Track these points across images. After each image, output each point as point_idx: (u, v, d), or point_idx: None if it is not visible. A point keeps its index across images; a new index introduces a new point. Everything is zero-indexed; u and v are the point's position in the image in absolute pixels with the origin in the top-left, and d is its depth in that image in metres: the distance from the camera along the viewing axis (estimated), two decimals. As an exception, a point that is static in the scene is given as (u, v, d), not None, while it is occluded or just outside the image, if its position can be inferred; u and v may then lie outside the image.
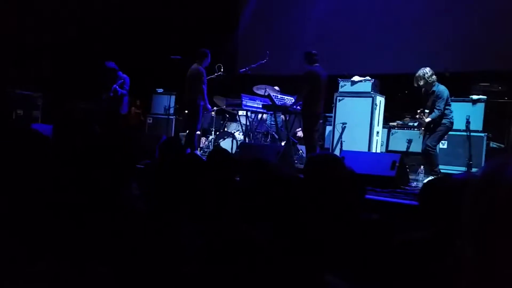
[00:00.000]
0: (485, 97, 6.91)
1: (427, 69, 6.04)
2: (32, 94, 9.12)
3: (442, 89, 6.02)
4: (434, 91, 6.01)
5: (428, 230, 2.13)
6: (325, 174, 2.23)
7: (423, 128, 6.25)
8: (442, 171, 6.61)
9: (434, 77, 6.03)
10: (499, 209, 0.88)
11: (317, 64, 6.76)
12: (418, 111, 6.07)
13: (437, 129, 6.04)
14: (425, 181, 5.84)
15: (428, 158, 6.08)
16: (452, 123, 6.10)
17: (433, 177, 5.89)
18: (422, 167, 6.38)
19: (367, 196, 4.26)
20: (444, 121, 6.03)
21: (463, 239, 0.94)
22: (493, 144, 6.89)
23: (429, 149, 5.99)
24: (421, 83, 6.03)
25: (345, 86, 7.37)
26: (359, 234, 2.23)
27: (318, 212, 2.28)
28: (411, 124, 7.63)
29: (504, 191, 0.87)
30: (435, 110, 5.93)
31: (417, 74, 6.05)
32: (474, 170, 6.60)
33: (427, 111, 6.06)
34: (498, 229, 0.87)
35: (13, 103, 8.80)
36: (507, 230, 0.86)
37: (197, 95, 7.30)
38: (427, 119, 5.97)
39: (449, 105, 6.10)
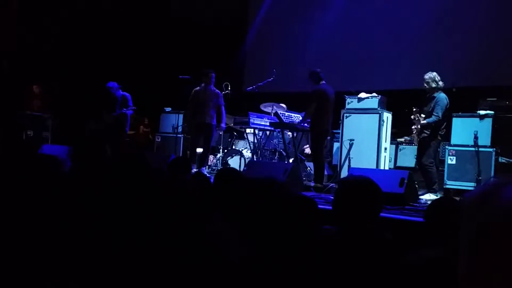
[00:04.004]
0: (492, 112, 6.89)
1: (435, 74, 6.28)
2: (42, 115, 9.24)
3: (442, 97, 6.23)
4: (434, 97, 6.22)
5: (437, 249, 2.13)
6: (360, 199, 2.24)
7: (416, 132, 6.36)
8: (451, 187, 6.60)
9: (439, 83, 6.23)
10: (493, 229, 0.89)
11: (323, 82, 6.81)
12: (414, 109, 6.24)
13: (430, 143, 6.16)
14: (424, 196, 5.90)
15: (426, 175, 6.20)
16: (442, 136, 6.29)
17: (431, 194, 5.94)
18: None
19: (376, 213, 4.26)
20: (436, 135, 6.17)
21: (459, 258, 0.96)
22: (501, 159, 6.85)
23: (427, 167, 6.12)
24: (433, 85, 6.27)
25: (352, 102, 7.38)
26: (374, 253, 2.22)
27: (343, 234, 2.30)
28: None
29: (498, 211, 0.89)
30: (433, 115, 6.13)
31: (424, 76, 6.30)
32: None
33: (423, 115, 6.24)
34: (491, 248, 0.89)
35: (23, 125, 8.91)
36: (500, 250, 0.88)
37: (213, 116, 7.59)
38: (423, 121, 6.17)
39: (446, 116, 6.23)
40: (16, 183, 2.76)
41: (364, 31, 9.74)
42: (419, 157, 6.40)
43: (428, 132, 6.22)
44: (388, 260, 2.14)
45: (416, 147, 7.57)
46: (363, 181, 2.35)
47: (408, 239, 3.37)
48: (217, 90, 7.76)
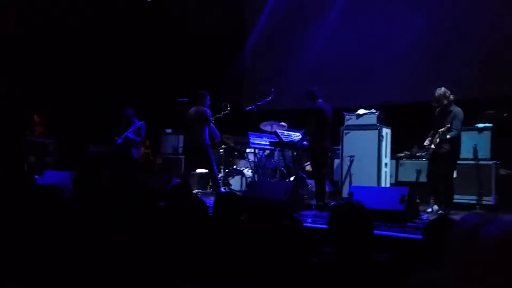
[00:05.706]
0: (491, 124, 6.92)
1: (443, 90, 6.12)
2: (44, 141, 9.31)
3: (459, 110, 6.06)
4: (451, 111, 6.04)
5: (436, 270, 2.14)
6: (349, 226, 2.31)
7: (433, 148, 6.10)
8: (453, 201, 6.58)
9: (450, 98, 6.10)
10: (478, 261, 0.93)
11: (320, 100, 6.83)
12: (440, 129, 5.88)
13: (450, 158, 6.02)
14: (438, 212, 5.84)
15: (449, 189, 6.06)
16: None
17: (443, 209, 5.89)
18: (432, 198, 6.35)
19: (378, 232, 4.26)
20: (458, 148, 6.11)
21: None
22: (502, 171, 6.86)
23: (450, 181, 6.04)
24: (445, 102, 6.08)
25: (350, 119, 7.43)
26: (369, 276, 2.24)
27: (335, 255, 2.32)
28: (419, 154, 7.63)
29: (480, 248, 0.92)
30: (453, 129, 5.90)
31: (438, 93, 6.11)
32: (485, 198, 6.57)
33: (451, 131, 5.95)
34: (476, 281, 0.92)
35: (26, 151, 8.98)
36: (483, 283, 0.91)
37: (205, 136, 7.41)
38: (448, 136, 5.87)
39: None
40: (19, 214, 2.79)
41: (360, 46, 9.79)
42: (439, 172, 6.10)
43: (447, 148, 5.97)
44: (382, 282, 2.17)
45: (417, 161, 7.56)
46: (352, 206, 2.45)
47: (410, 256, 3.37)
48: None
